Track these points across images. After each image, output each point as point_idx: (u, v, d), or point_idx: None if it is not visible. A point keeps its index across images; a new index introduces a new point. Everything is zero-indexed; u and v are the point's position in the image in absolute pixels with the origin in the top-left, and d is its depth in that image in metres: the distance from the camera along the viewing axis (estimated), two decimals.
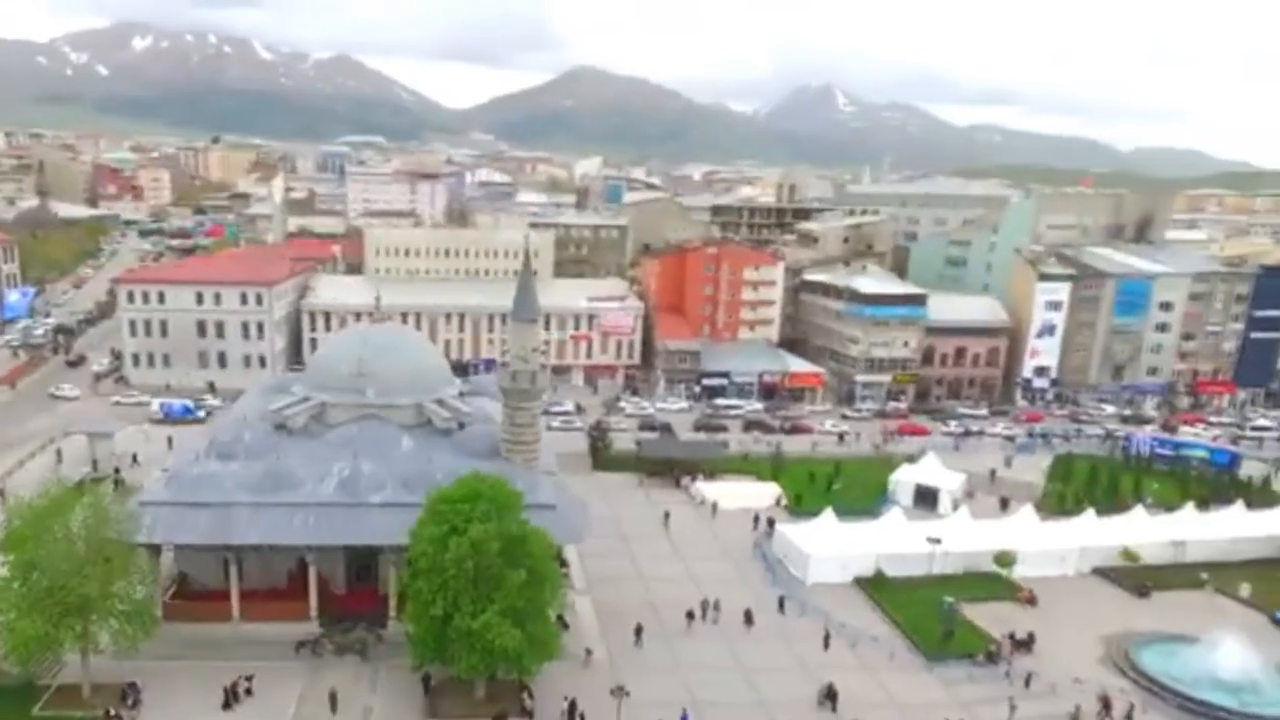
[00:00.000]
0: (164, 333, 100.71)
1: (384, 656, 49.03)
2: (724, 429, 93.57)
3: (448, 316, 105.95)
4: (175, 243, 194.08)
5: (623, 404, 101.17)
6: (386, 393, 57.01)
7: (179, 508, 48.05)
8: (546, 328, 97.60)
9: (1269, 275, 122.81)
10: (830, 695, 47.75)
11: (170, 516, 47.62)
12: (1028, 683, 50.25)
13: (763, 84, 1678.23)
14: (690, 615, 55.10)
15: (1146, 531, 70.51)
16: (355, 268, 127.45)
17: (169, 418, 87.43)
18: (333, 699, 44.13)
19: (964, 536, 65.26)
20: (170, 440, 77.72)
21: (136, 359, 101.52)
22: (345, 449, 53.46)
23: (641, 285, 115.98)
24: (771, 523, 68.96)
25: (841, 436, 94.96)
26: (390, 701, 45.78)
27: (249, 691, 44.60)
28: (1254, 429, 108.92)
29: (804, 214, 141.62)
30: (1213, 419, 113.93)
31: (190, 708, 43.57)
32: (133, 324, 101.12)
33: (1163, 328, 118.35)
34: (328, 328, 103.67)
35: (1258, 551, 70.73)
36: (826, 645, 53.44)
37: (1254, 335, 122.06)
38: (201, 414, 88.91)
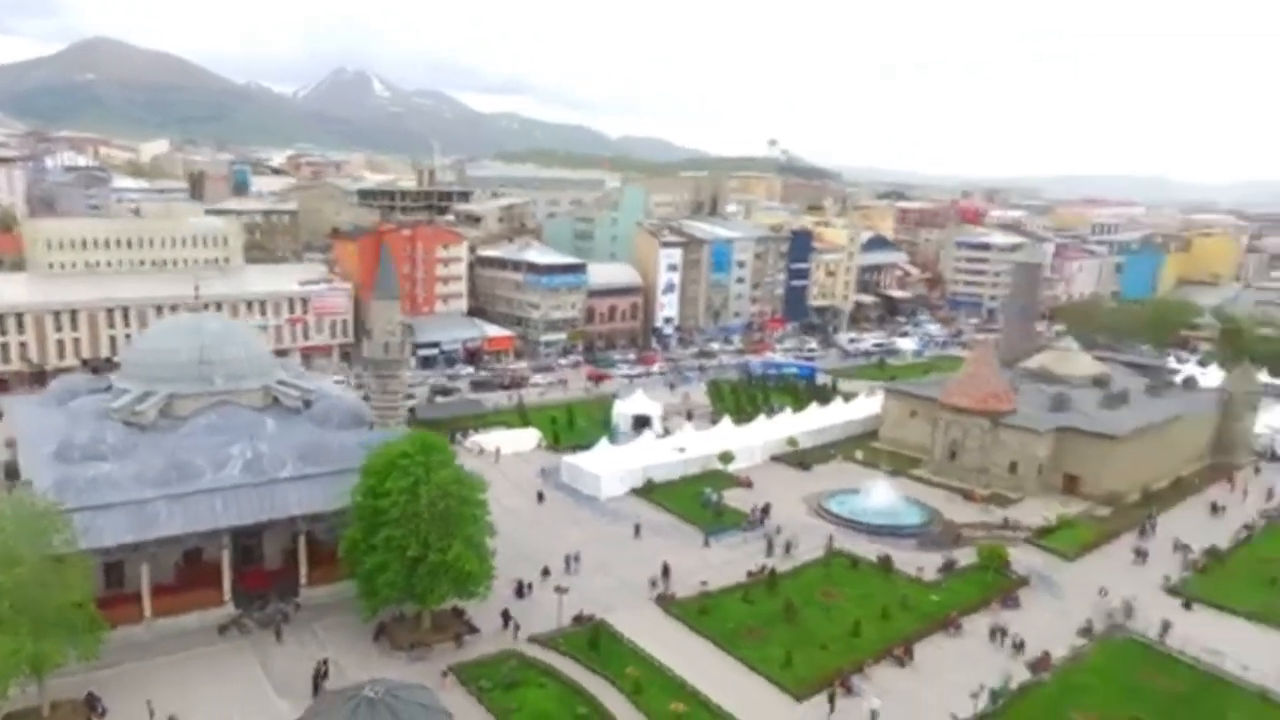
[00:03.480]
0: None
1: (309, 621, 49.02)
2: (458, 390, 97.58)
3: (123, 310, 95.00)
4: None
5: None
6: (234, 378, 54.91)
7: (97, 511, 43.37)
8: (262, 313, 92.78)
9: (797, 238, 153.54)
10: (665, 571, 57.27)
11: (93, 520, 42.88)
12: (788, 549, 62.18)
13: (298, 65, 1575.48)
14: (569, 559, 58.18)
15: (791, 427, 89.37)
16: (19, 265, 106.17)
17: None
18: (317, 674, 44.01)
19: (696, 444, 78.45)
20: None
21: None
22: (215, 435, 51.25)
23: (341, 267, 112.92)
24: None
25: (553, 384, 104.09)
26: (346, 651, 46.72)
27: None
28: (808, 349, 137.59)
29: (446, 197, 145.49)
30: (777, 346, 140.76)
31: (155, 708, 40.67)
32: None
33: (740, 280, 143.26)
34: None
35: (853, 431, 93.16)
36: (637, 533, 63.24)
37: (793, 283, 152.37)
38: None
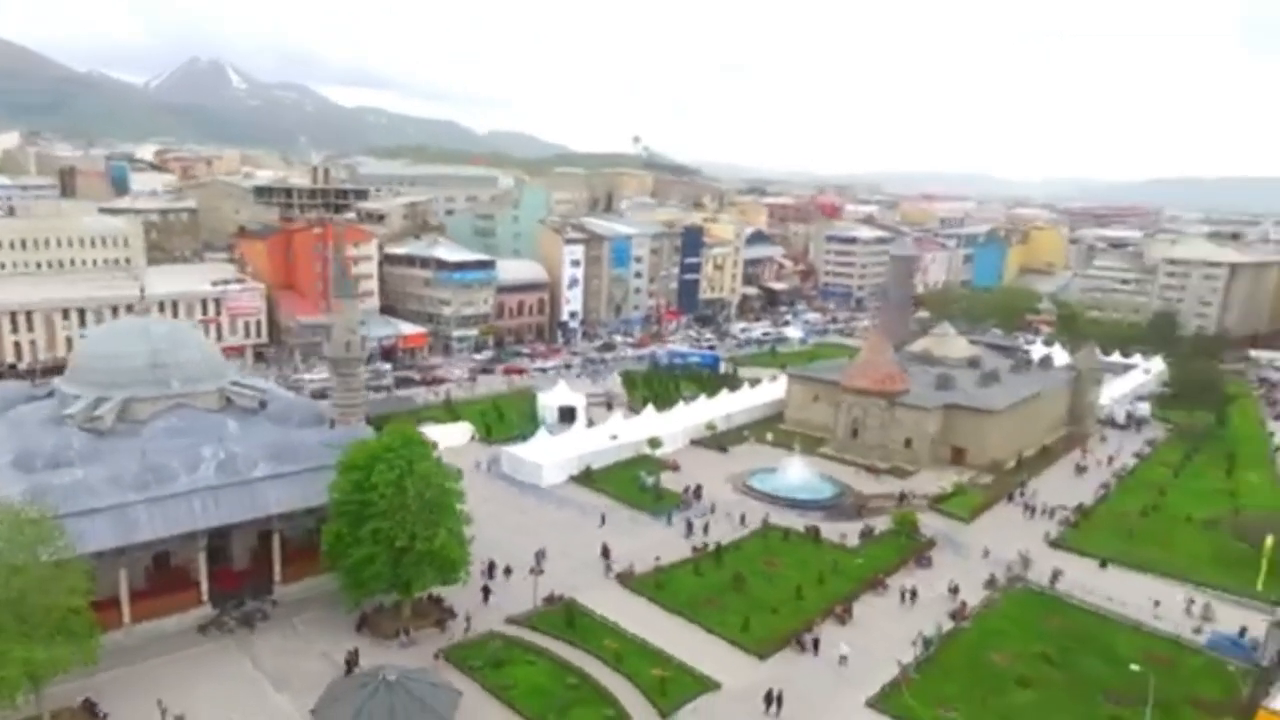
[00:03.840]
0: None
1: (287, 616, 49.27)
2: (387, 388, 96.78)
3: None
4: None
5: (296, 378, 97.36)
6: (190, 380, 53.96)
7: (80, 517, 42.31)
8: (174, 315, 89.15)
9: (689, 234, 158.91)
10: (605, 552, 59.69)
11: (76, 527, 41.73)
12: (705, 529, 65.77)
13: (146, 54, 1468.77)
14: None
15: (707, 412, 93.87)
16: None
17: None
18: (348, 662, 44.83)
19: (626, 432, 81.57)
20: None
21: None
22: (178, 438, 50.48)
23: (251, 266, 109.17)
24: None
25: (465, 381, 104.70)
26: (333, 644, 47.33)
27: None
28: (706, 340, 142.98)
29: (343, 194, 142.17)
30: (670, 338, 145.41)
31: (151, 712, 40.43)
32: None
33: (638, 275, 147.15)
34: None
35: (761, 414, 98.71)
36: (604, 523, 65.63)
37: (686, 276, 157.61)
38: None
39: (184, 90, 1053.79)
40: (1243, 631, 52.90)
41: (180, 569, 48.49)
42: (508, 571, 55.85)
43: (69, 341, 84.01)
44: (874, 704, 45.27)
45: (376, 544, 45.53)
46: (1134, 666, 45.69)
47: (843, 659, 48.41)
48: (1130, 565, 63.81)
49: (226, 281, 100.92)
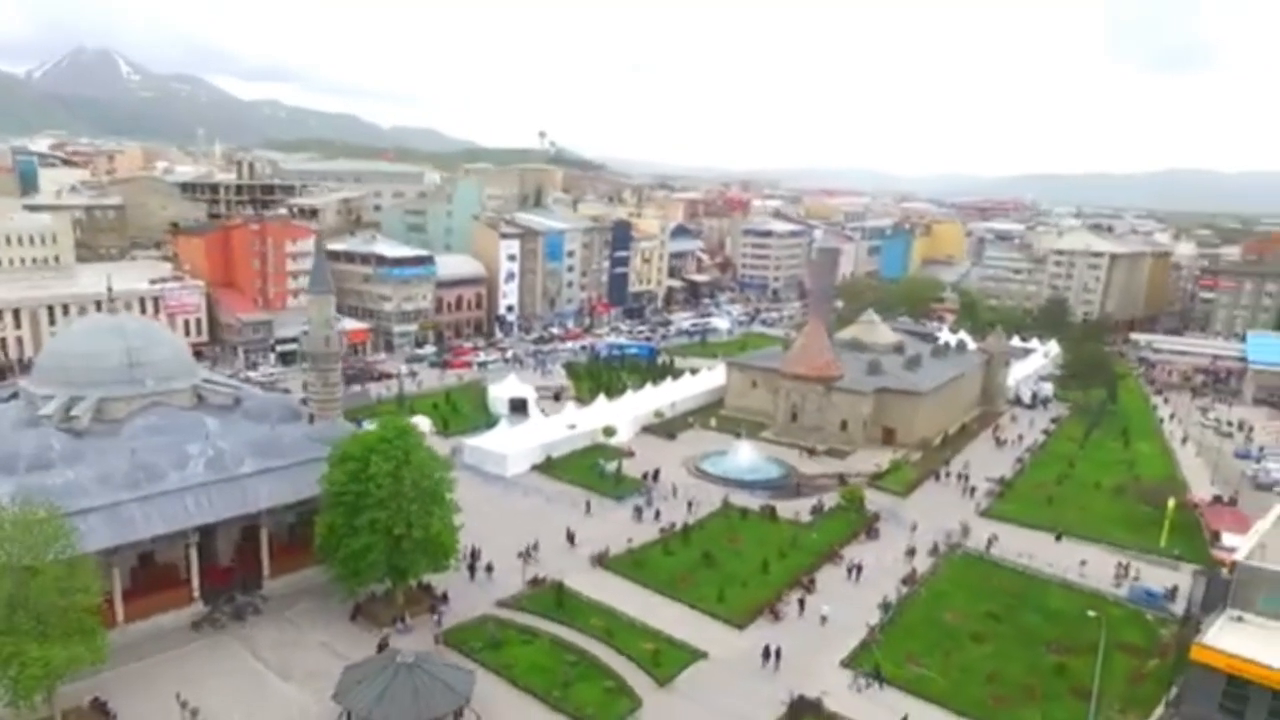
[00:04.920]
0: None
1: (280, 610, 48.79)
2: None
3: None
4: None
5: (246, 375, 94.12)
6: (164, 379, 52.66)
7: (76, 517, 40.81)
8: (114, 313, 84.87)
9: (619, 228, 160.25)
10: (569, 536, 61.13)
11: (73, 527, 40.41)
12: (656, 515, 66.94)
13: (27, 42, 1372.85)
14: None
15: (654, 401, 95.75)
16: None
17: None
18: (381, 646, 45.19)
19: (582, 421, 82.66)
20: None
21: None
22: (158, 436, 49.38)
23: (189, 264, 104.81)
24: None
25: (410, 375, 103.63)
26: (332, 634, 47.24)
27: None
28: (639, 331, 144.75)
29: (269, 190, 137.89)
30: (598, 331, 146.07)
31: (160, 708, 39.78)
32: None
33: (571, 269, 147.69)
34: None
35: (702, 402, 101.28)
36: (589, 510, 66.68)
37: (616, 270, 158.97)
38: None
39: (70, 81, 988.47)
40: (1172, 591, 57.82)
41: (167, 567, 47.40)
42: (489, 569, 55.62)
43: (3, 343, 79.62)
44: (847, 663, 48.06)
45: (374, 533, 45.66)
46: (1090, 613, 49.74)
47: (824, 619, 51.39)
48: (1051, 530, 68.71)
49: (165, 280, 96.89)
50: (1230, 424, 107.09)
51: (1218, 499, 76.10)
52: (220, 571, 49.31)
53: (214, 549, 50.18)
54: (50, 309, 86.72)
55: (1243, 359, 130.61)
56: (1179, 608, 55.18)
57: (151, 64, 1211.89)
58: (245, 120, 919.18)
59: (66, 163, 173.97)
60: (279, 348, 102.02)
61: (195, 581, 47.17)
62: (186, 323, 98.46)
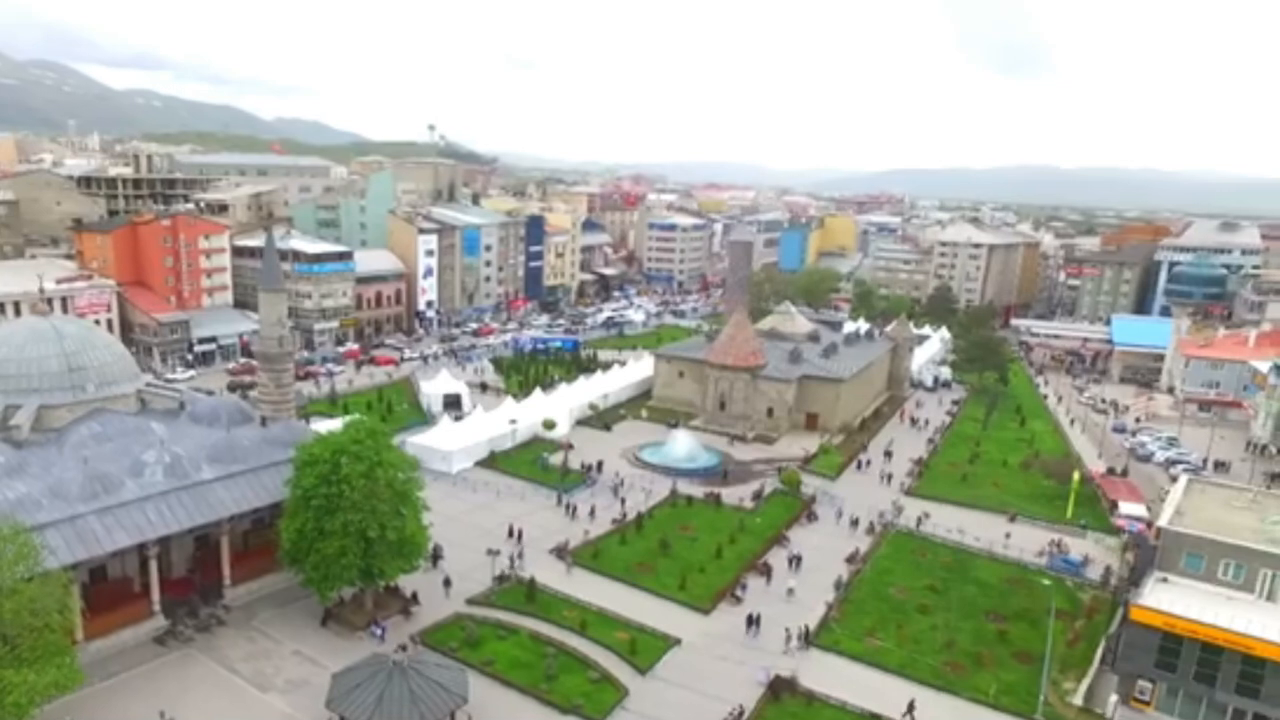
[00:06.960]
0: None
1: (245, 619, 46.54)
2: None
3: None
4: None
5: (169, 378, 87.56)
6: (106, 384, 49.24)
7: (34, 533, 37.59)
8: (17, 314, 78.51)
9: (533, 222, 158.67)
10: (515, 533, 60.24)
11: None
12: (592, 513, 66.12)
13: None
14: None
15: (586, 394, 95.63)
16: None
17: None
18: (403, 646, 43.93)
19: (522, 415, 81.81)
20: None
21: None
22: (105, 444, 46.38)
23: (96, 263, 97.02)
24: None
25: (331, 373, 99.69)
26: (305, 641, 45.43)
27: None
28: (557, 324, 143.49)
29: (171, 184, 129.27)
30: (509, 325, 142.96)
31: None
32: None
33: (488, 263, 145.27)
34: None
35: (632, 393, 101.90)
36: (562, 504, 66.46)
37: (531, 264, 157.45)
38: None
39: None
40: (1085, 560, 62.27)
41: (121, 581, 44.45)
42: (444, 581, 53.57)
43: None
44: (812, 642, 49.62)
45: (347, 536, 44.13)
46: (1045, 582, 53.03)
47: (790, 591, 52.94)
48: (969, 505, 72.75)
49: (72, 279, 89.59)
50: (1104, 401, 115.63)
51: (1111, 471, 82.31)
52: (177, 583, 46.66)
53: (169, 559, 47.44)
54: None
55: (1109, 341, 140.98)
56: (1093, 573, 59.68)
57: (9, 49, 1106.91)
58: (118, 110, 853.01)
59: None
60: (198, 347, 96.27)
61: (155, 595, 44.34)
62: (97, 323, 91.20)
